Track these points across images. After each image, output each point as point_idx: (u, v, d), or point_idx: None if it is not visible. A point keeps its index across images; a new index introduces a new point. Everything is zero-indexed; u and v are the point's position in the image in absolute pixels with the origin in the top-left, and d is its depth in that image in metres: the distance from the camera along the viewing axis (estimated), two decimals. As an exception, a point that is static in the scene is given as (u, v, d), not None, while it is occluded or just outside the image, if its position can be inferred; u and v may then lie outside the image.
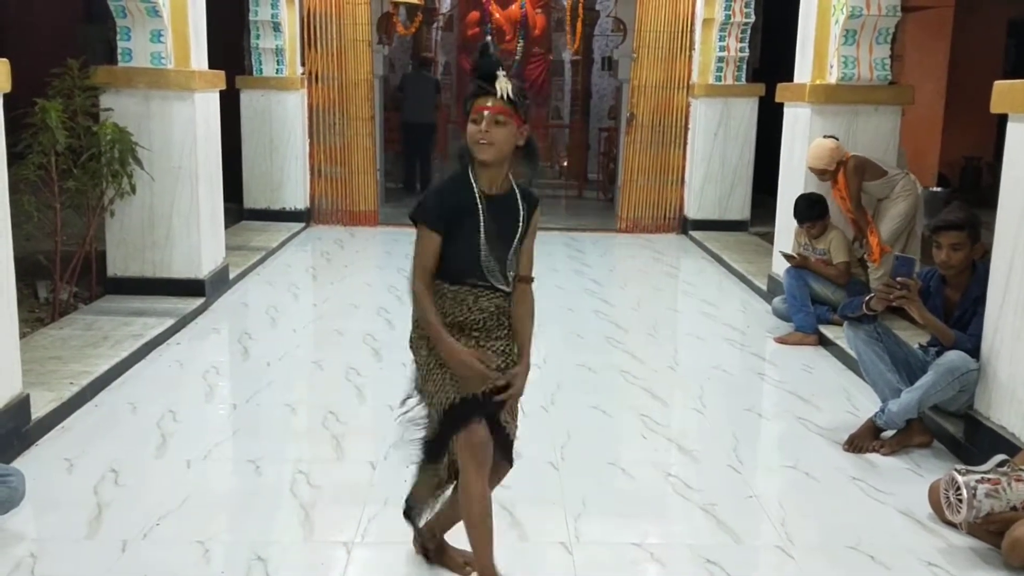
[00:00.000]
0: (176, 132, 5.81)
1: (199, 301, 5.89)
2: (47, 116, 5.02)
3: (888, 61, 5.95)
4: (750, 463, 3.85)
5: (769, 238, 7.61)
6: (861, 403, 4.49)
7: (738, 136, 9.27)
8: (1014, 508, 2.99)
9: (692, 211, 9.48)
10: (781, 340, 5.63)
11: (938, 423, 4.04)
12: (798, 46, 6.36)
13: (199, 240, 5.95)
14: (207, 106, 6.06)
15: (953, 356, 3.77)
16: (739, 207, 9.41)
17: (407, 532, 2.95)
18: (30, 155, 5.10)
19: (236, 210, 8.99)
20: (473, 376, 2.52)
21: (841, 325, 4.53)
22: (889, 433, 3.97)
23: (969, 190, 11.68)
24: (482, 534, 2.60)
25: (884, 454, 3.89)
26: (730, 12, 8.89)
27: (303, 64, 9.39)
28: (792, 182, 6.33)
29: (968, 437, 3.82)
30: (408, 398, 2.70)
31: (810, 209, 5.70)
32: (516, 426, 2.72)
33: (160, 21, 5.62)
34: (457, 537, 2.91)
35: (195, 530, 3.09)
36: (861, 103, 5.98)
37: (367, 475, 3.58)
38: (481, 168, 2.55)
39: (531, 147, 2.58)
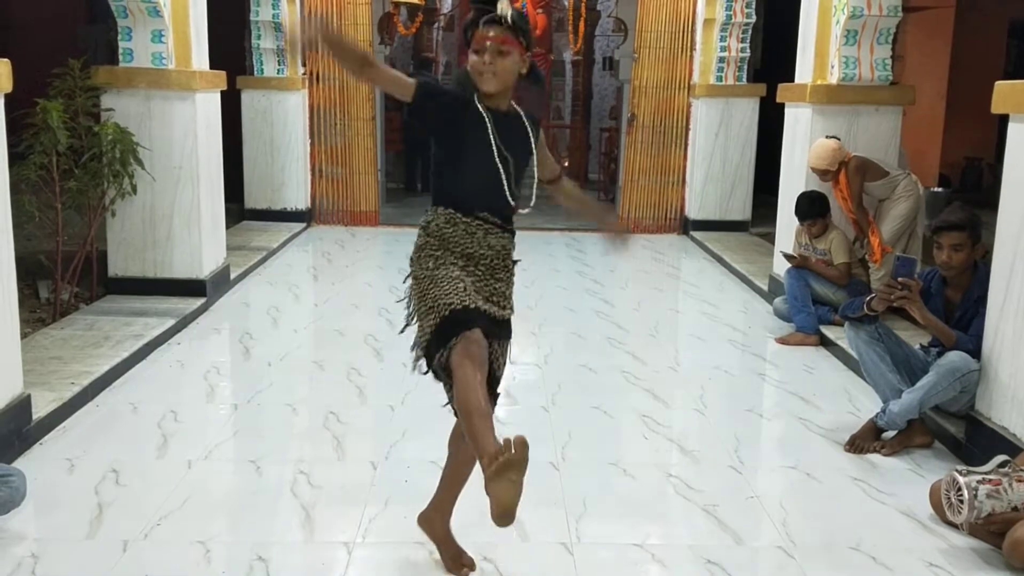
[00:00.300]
0: (177, 132, 5.81)
1: (200, 301, 5.89)
2: (48, 116, 5.02)
3: (889, 61, 5.95)
4: (751, 464, 3.84)
5: (770, 238, 7.61)
6: (862, 403, 4.49)
7: (739, 136, 9.27)
8: (1015, 509, 2.99)
9: (693, 211, 9.48)
10: (782, 340, 5.63)
11: (939, 424, 4.04)
12: (799, 46, 6.36)
13: (200, 240, 5.95)
14: (208, 106, 6.06)
15: (954, 357, 3.76)
16: (740, 207, 9.41)
17: (408, 532, 2.96)
18: (31, 155, 5.10)
19: (237, 210, 9.00)
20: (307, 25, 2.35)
21: (842, 325, 4.53)
22: (890, 434, 3.97)
23: (970, 191, 11.70)
24: (481, 424, 2.32)
25: (885, 455, 3.89)
26: (731, 12, 8.89)
27: (304, 64, 9.39)
28: (793, 182, 6.33)
29: (969, 438, 3.82)
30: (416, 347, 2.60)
31: (811, 207, 5.70)
32: (504, 363, 2.68)
33: (161, 21, 5.63)
34: (456, 537, 2.92)
35: (196, 530, 3.09)
36: (862, 103, 5.98)
37: (368, 475, 3.58)
38: (485, 97, 2.54)
39: (535, 74, 2.58)
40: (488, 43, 2.45)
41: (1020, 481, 3.03)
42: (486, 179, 2.55)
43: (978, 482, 3.02)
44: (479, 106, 2.54)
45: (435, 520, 2.89)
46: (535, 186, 2.72)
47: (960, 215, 3.94)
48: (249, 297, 6.57)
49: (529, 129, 2.64)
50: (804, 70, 6.26)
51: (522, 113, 2.64)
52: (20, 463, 3.51)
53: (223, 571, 2.86)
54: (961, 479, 3.05)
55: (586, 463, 3.77)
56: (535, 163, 2.68)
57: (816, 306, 5.65)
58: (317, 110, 9.47)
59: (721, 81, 9.18)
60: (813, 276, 5.68)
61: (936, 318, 3.91)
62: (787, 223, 6.27)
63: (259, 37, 9.01)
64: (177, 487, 3.42)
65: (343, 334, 5.63)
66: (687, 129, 9.54)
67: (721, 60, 9.10)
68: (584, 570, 2.93)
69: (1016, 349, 3.52)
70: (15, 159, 4.10)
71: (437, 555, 2.91)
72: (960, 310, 4.00)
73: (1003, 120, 3.65)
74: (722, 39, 9.03)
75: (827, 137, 5.77)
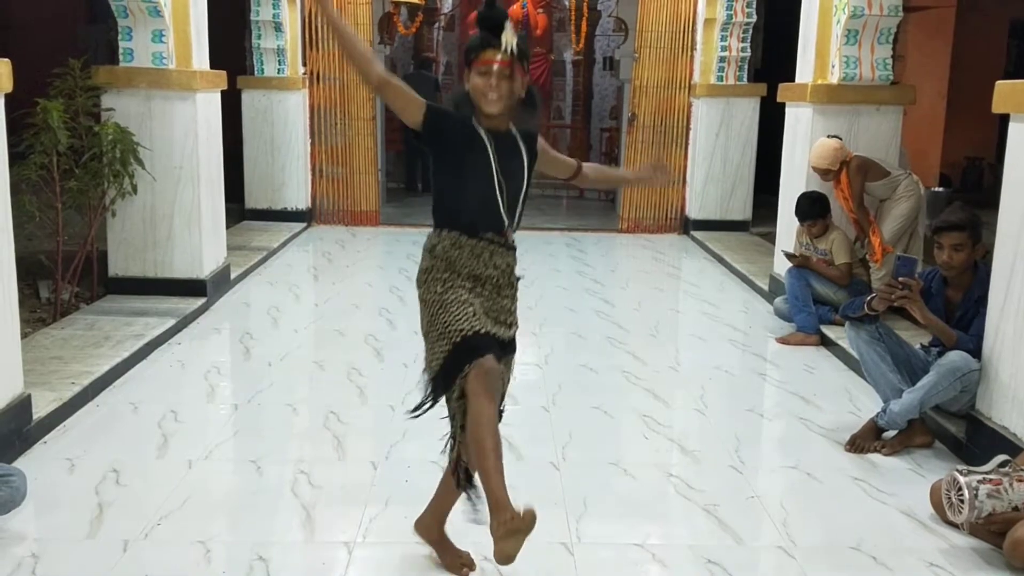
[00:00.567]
0: (177, 132, 5.81)
1: (200, 301, 5.89)
2: (49, 116, 5.02)
3: (890, 61, 5.95)
4: (752, 463, 3.84)
5: (771, 238, 7.61)
6: (863, 403, 4.49)
7: (740, 136, 9.26)
8: (1016, 508, 2.99)
9: (693, 211, 9.48)
10: (783, 340, 5.63)
11: (940, 423, 4.04)
12: (800, 46, 6.35)
13: (200, 240, 5.95)
14: (208, 106, 6.06)
15: (955, 356, 3.76)
16: (740, 207, 9.41)
17: (408, 532, 2.96)
18: (32, 155, 5.11)
19: (237, 210, 9.00)
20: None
21: (843, 325, 4.53)
22: (891, 433, 3.97)
23: (971, 190, 11.69)
24: (495, 464, 2.38)
25: (886, 454, 3.89)
26: (732, 12, 8.89)
27: (304, 64, 9.39)
28: (794, 182, 6.33)
29: (969, 437, 3.82)
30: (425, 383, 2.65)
31: (812, 207, 5.70)
32: (509, 379, 2.73)
33: (161, 21, 5.63)
34: (456, 537, 2.92)
35: (196, 530, 3.09)
36: (863, 103, 5.98)
37: (368, 475, 3.58)
38: (485, 118, 2.57)
39: (531, 97, 2.60)
40: (494, 67, 2.49)
41: (1020, 481, 3.02)
42: (486, 201, 2.58)
43: (979, 482, 3.02)
44: (479, 129, 2.57)
45: (431, 525, 2.91)
46: (520, 211, 2.70)
47: (961, 215, 3.94)
48: (249, 297, 6.57)
49: (524, 153, 2.65)
50: (805, 70, 6.25)
51: (518, 136, 2.65)
52: (20, 463, 3.51)
53: (223, 571, 2.86)
54: (962, 479, 3.05)
55: (586, 463, 3.77)
56: (527, 187, 2.69)
57: (817, 306, 5.65)
58: (317, 110, 9.47)
59: (722, 81, 9.18)
60: (814, 276, 5.67)
61: (937, 318, 3.91)
62: (788, 223, 6.26)
63: (259, 37, 9.01)
64: (177, 487, 3.42)
65: (343, 334, 5.63)
66: (688, 129, 9.54)
67: (722, 60, 9.10)
68: (584, 570, 2.93)
69: (1016, 349, 3.52)
70: (15, 159, 4.10)
71: (437, 555, 2.92)
72: (961, 310, 3.99)
73: (1004, 120, 3.65)
74: (723, 39, 9.03)
75: (829, 136, 5.76)
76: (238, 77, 9.00)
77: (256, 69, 9.16)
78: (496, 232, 2.62)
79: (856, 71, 5.87)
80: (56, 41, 10.65)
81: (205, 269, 6.03)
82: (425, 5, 10.98)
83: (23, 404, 3.71)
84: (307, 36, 9.31)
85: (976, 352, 3.78)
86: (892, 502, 3.46)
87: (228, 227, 7.08)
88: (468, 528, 2.91)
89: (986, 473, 3.09)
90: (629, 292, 7.22)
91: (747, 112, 9.23)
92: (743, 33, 9.05)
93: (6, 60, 3.56)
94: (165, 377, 4.74)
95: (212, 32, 6.16)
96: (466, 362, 2.48)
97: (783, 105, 6.63)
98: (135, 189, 5.64)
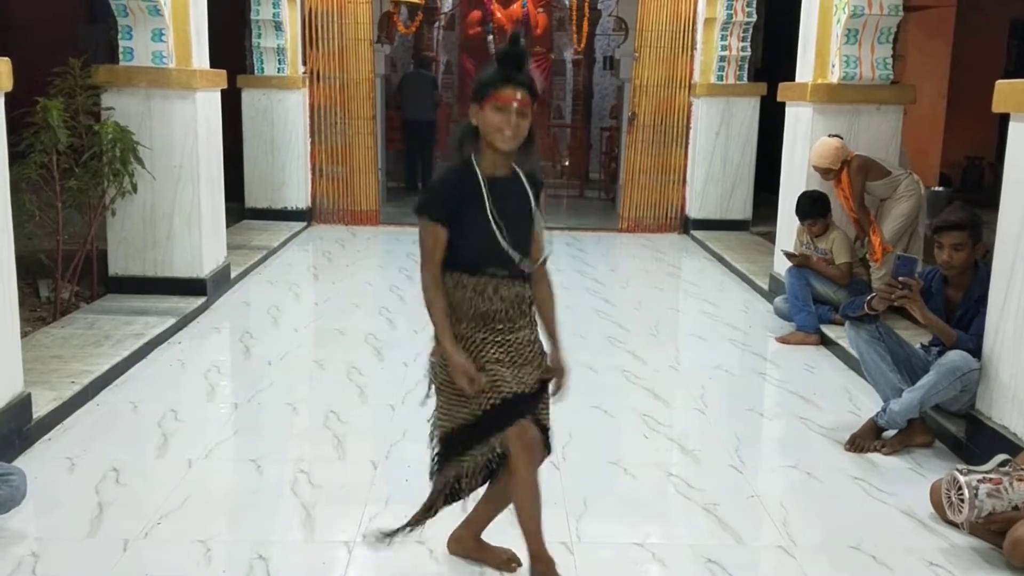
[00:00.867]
0: (177, 131, 5.81)
1: (200, 300, 5.89)
2: (48, 115, 5.02)
3: (890, 60, 5.95)
4: (752, 463, 3.84)
5: (771, 238, 7.61)
6: (863, 403, 4.49)
7: (740, 135, 9.26)
8: (1016, 508, 2.99)
9: (694, 211, 9.48)
10: (783, 340, 5.63)
11: (940, 423, 4.04)
12: (800, 45, 6.35)
13: (200, 239, 5.95)
14: (208, 105, 6.06)
15: (955, 356, 3.76)
16: (741, 207, 9.41)
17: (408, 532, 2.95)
18: (32, 154, 5.11)
19: (237, 209, 9.00)
20: (460, 379, 2.51)
21: (843, 325, 4.53)
22: (891, 433, 3.97)
23: (971, 190, 11.69)
24: (537, 525, 2.62)
25: (886, 454, 3.89)
26: (732, 11, 8.89)
27: (304, 63, 9.39)
28: (794, 182, 6.33)
29: (969, 437, 3.82)
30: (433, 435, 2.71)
31: (812, 207, 5.69)
32: (549, 414, 2.70)
33: (161, 20, 5.62)
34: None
35: (196, 529, 3.09)
36: (863, 102, 5.97)
37: (368, 474, 3.58)
38: (490, 153, 2.54)
39: (531, 136, 2.58)
40: (515, 104, 2.46)
41: (1020, 480, 3.02)
42: (485, 242, 2.53)
43: (979, 481, 3.02)
44: (478, 175, 2.53)
45: (464, 538, 2.89)
46: (531, 245, 2.63)
47: (961, 215, 3.93)
48: (249, 296, 6.57)
49: (529, 192, 2.61)
50: (805, 69, 6.25)
51: (523, 176, 2.61)
52: (20, 462, 3.50)
53: (223, 570, 2.86)
54: (962, 478, 3.05)
55: (587, 463, 3.77)
56: (538, 222, 2.64)
57: (817, 305, 5.65)
58: (317, 109, 9.47)
59: (722, 80, 9.18)
60: (814, 275, 5.67)
61: (937, 317, 3.91)
62: (788, 222, 6.26)
63: (259, 36, 9.00)
64: (177, 486, 3.42)
65: (343, 333, 5.63)
66: (688, 128, 9.53)
67: (722, 59, 9.09)
68: (584, 569, 2.92)
69: (1017, 348, 3.52)
70: (15, 158, 4.10)
71: (437, 554, 2.92)
72: (961, 309, 3.99)
73: (1004, 119, 3.65)
74: (723, 38, 9.03)
75: (829, 136, 5.76)
76: (238, 76, 8.99)
77: (256, 68, 9.16)
78: (500, 266, 2.56)
79: (856, 70, 5.87)
80: (56, 40, 10.64)
81: (205, 268, 6.02)
82: (425, 4, 10.98)
83: (23, 403, 3.71)
84: (307, 35, 9.31)
85: (976, 352, 3.78)
86: (892, 502, 3.46)
87: (228, 226, 7.07)
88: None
89: (986, 472, 3.09)
90: (629, 291, 7.22)
91: (747, 111, 9.23)
92: (743, 32, 9.05)
93: (6, 59, 3.56)
94: (165, 376, 4.74)
95: (212, 31, 6.16)
96: (498, 430, 2.54)
97: (783, 104, 6.62)
98: (135, 188, 5.64)
